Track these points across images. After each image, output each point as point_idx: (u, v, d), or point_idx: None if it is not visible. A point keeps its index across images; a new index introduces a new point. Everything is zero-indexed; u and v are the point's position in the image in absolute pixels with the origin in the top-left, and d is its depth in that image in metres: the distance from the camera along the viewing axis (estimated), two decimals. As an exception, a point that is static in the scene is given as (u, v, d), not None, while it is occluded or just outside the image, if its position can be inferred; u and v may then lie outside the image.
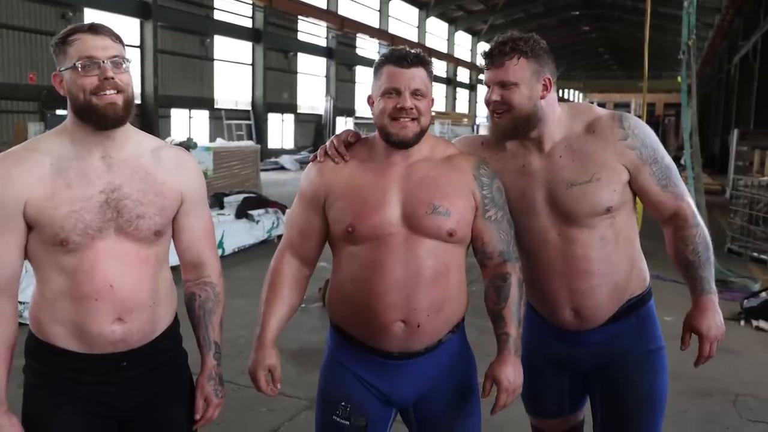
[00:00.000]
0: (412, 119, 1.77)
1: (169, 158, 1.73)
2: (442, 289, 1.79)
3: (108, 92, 1.56)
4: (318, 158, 1.90)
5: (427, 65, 1.81)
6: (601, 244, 1.91)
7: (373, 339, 1.82)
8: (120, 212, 1.61)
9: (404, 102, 1.76)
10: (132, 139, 1.69)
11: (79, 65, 1.55)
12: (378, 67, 1.82)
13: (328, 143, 1.93)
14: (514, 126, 1.88)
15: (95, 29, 1.59)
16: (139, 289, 1.65)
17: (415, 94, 1.77)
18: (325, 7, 26.04)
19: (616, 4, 38.35)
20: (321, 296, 5.62)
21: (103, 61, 1.56)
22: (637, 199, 1.97)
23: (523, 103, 1.85)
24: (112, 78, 1.56)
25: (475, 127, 33.38)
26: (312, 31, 26.66)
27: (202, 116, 22.22)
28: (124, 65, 1.59)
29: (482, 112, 45.49)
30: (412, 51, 1.80)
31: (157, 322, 1.72)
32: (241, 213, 8.13)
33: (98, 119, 1.57)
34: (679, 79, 7.31)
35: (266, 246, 8.15)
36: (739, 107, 20.81)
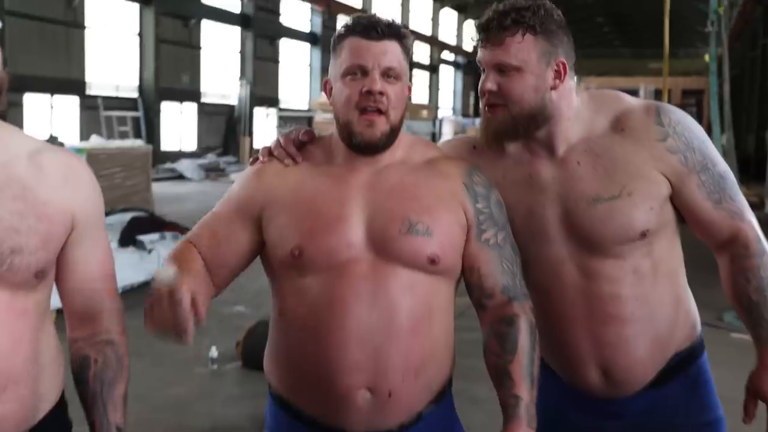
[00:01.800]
0: (379, 112, 1.78)
1: (55, 166, 1.66)
2: (422, 341, 1.78)
3: None
4: (260, 159, 1.91)
5: (402, 38, 1.83)
6: (635, 279, 1.92)
7: (329, 414, 1.80)
8: None
9: (372, 84, 1.77)
10: None
11: None
12: (338, 40, 1.84)
13: (273, 142, 1.94)
14: (513, 125, 1.89)
15: None
16: (15, 356, 1.57)
17: (387, 75, 1.79)
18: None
19: (619, -40, 39.48)
20: (239, 353, 5.57)
21: None
22: None
23: (526, 96, 1.87)
24: None
25: (437, 122, 33.72)
26: (220, -9, 26.62)
27: (69, 104, 21.85)
28: None
29: (446, 102, 46.09)
30: (384, 19, 1.83)
31: (39, 400, 1.66)
32: (128, 239, 8.13)
33: None
34: (707, 57, 7.54)
35: (162, 283, 8.02)
36: (779, 94, 21.56)
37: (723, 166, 1.96)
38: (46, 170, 1.64)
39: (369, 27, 1.79)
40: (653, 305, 1.95)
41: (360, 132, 1.79)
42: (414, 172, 1.85)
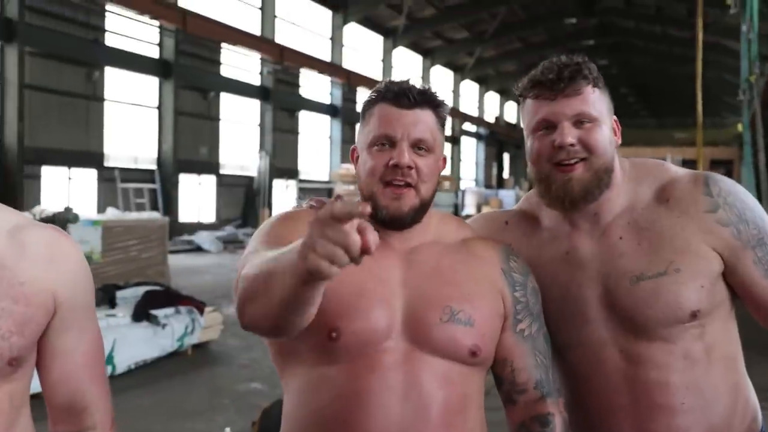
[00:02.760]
0: (408, 186, 1.70)
1: (37, 244, 1.58)
2: None
3: None
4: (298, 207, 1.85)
5: (437, 107, 1.76)
6: (685, 365, 1.83)
7: None
8: None
9: (400, 157, 1.69)
10: None
11: None
12: (367, 106, 1.78)
13: (306, 203, 1.88)
14: (597, 180, 1.82)
15: None
16: None
17: (418, 146, 1.72)
18: (258, 33, 26.51)
19: (641, 31, 40.10)
20: (256, 433, 5.41)
21: None
22: None
23: (608, 148, 1.82)
24: None
25: (460, 193, 33.90)
26: (240, 64, 27.05)
27: (87, 177, 22.12)
28: None
29: (468, 173, 46.36)
30: (418, 86, 1.76)
31: None
32: (142, 313, 8.00)
33: None
34: (740, 126, 7.49)
35: (177, 360, 7.96)
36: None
37: None
38: (28, 248, 1.57)
39: (400, 93, 1.73)
40: (707, 394, 1.84)
41: (385, 205, 1.71)
42: (450, 254, 1.79)
